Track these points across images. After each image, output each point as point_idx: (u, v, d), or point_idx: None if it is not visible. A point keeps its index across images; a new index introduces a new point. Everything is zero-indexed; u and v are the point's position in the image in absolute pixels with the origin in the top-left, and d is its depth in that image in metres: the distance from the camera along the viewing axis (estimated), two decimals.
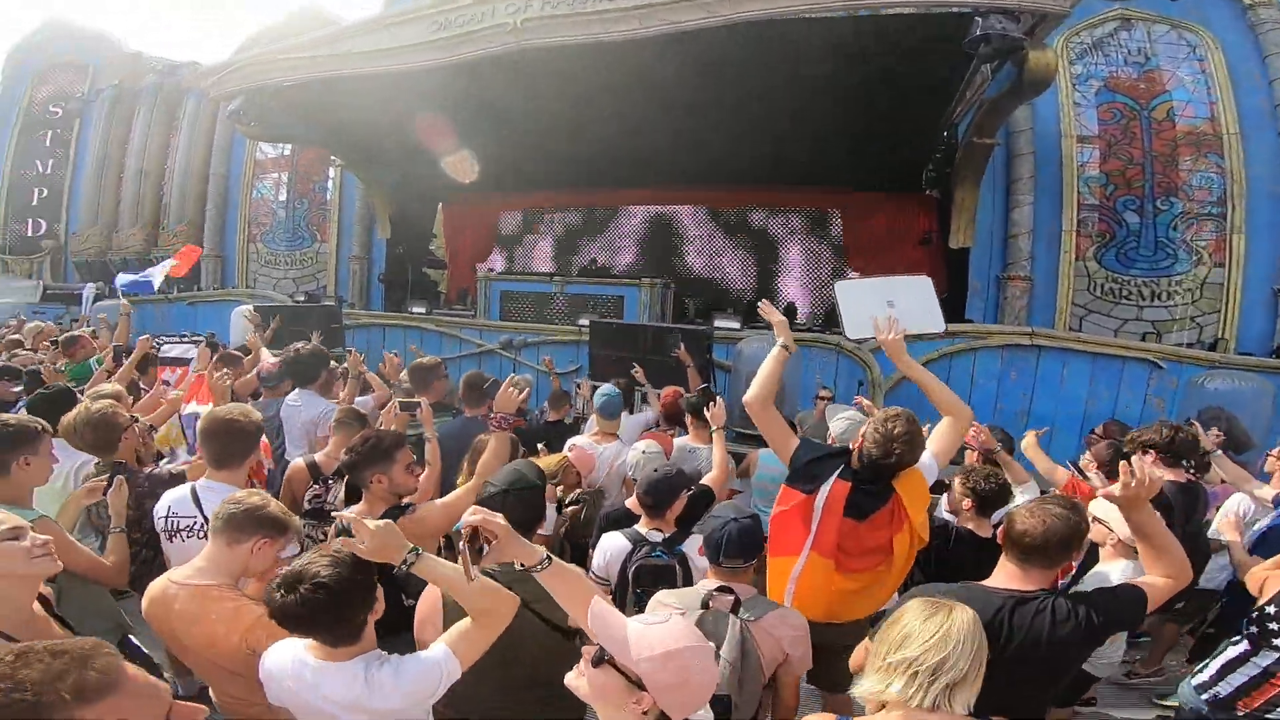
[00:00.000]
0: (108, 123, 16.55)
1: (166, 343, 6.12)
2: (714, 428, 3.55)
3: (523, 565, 1.63)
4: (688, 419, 4.21)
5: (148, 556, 2.78)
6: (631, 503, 3.00)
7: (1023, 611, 1.86)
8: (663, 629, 1.35)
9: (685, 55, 6.73)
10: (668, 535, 2.69)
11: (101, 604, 2.50)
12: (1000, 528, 2.05)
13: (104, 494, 2.65)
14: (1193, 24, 9.56)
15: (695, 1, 6.07)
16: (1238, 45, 9.36)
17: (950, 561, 2.76)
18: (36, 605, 1.81)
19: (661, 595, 2.22)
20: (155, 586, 2.05)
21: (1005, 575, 1.99)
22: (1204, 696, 2.50)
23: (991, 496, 2.96)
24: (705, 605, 2.09)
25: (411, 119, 8.92)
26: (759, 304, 3.17)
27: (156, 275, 8.54)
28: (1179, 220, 9.25)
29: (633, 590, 2.58)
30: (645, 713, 1.31)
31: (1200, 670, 2.60)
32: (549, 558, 1.62)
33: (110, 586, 2.51)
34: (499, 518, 1.62)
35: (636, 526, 2.75)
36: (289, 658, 1.72)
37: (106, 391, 3.83)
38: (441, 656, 1.70)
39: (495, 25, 6.88)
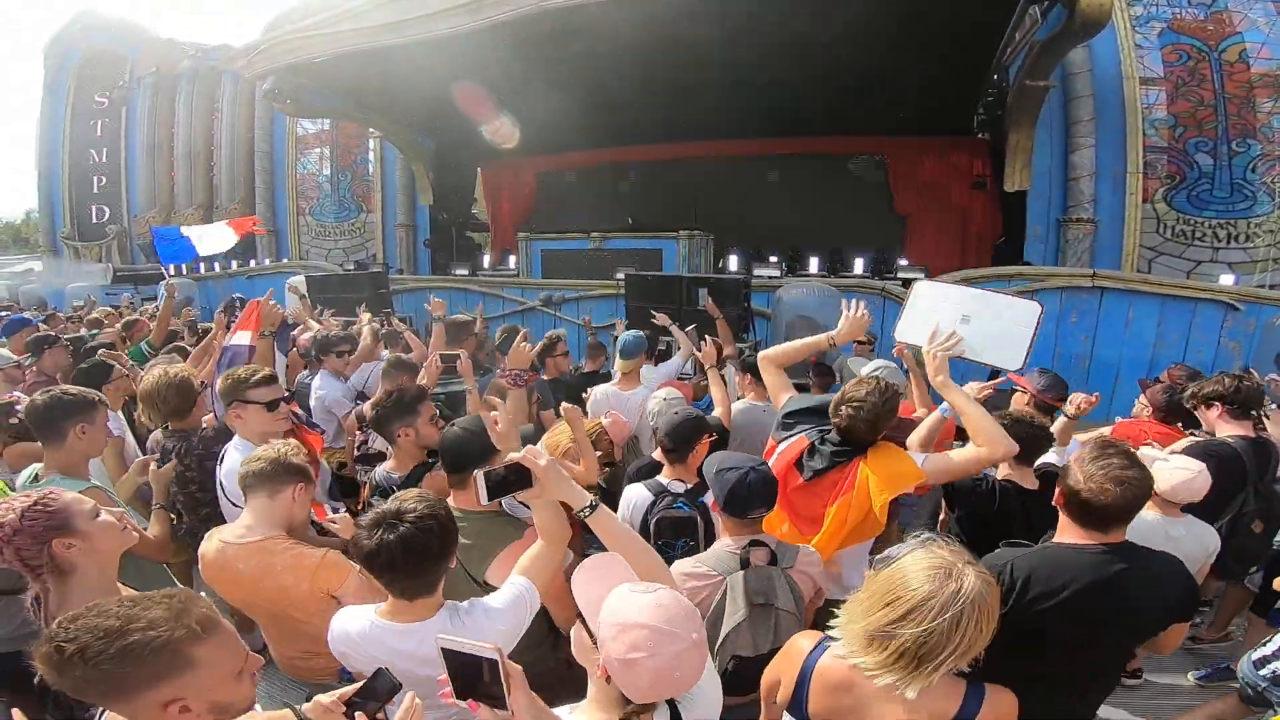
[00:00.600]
0: (152, 109, 17.13)
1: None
2: (708, 366, 3.46)
3: (578, 510, 1.58)
4: (740, 378, 4.07)
5: (208, 514, 2.74)
6: (659, 453, 2.93)
7: (1123, 566, 1.75)
8: (638, 599, 1.23)
9: (723, 5, 6.53)
10: (690, 486, 2.57)
11: (147, 572, 2.46)
12: (1059, 492, 1.84)
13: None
14: None
15: None
16: None
17: (994, 519, 2.50)
18: None
19: (685, 565, 2.05)
20: (209, 549, 2.03)
21: (1076, 534, 1.82)
22: (1262, 672, 2.36)
23: (1029, 441, 2.61)
24: (745, 564, 1.97)
25: (443, 86, 8.88)
26: (848, 303, 2.73)
27: (203, 241, 8.11)
28: (1258, 162, 8.84)
29: (655, 542, 2.49)
30: (608, 681, 1.23)
31: (1262, 645, 2.46)
32: (595, 503, 1.56)
33: (152, 560, 2.47)
34: (544, 457, 1.56)
35: (659, 477, 2.64)
36: (364, 625, 1.62)
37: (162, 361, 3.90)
38: (525, 587, 1.67)
39: None
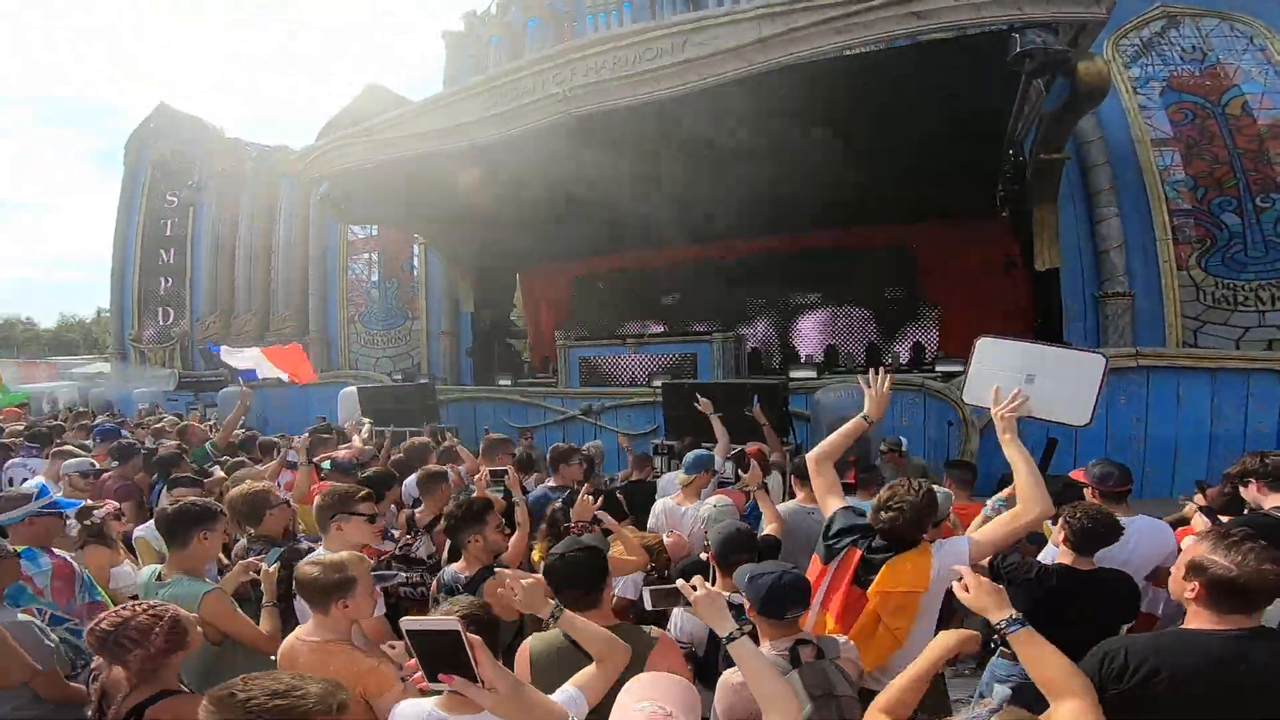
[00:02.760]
0: (217, 210, 17.69)
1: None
2: (752, 488, 3.61)
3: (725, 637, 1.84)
4: (793, 481, 4.18)
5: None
6: (708, 555, 3.04)
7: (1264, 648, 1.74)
8: (631, 711, 1.45)
9: (733, 106, 6.86)
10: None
11: (259, 668, 2.73)
12: (1200, 585, 1.82)
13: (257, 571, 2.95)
14: (1240, 14, 9.08)
15: (732, 51, 6.26)
16: None
17: (1048, 601, 2.60)
18: None
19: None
20: (286, 644, 2.33)
21: (1210, 620, 1.82)
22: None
23: (1087, 533, 2.72)
24: (795, 662, 2.06)
25: (482, 192, 9.26)
26: (875, 370, 2.87)
27: (260, 365, 8.42)
28: None
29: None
30: None
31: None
32: (740, 630, 1.82)
33: (263, 653, 2.73)
34: (702, 588, 1.90)
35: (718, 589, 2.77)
36: (421, 716, 1.82)
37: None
38: (574, 695, 1.86)
39: (546, 96, 7.23)
